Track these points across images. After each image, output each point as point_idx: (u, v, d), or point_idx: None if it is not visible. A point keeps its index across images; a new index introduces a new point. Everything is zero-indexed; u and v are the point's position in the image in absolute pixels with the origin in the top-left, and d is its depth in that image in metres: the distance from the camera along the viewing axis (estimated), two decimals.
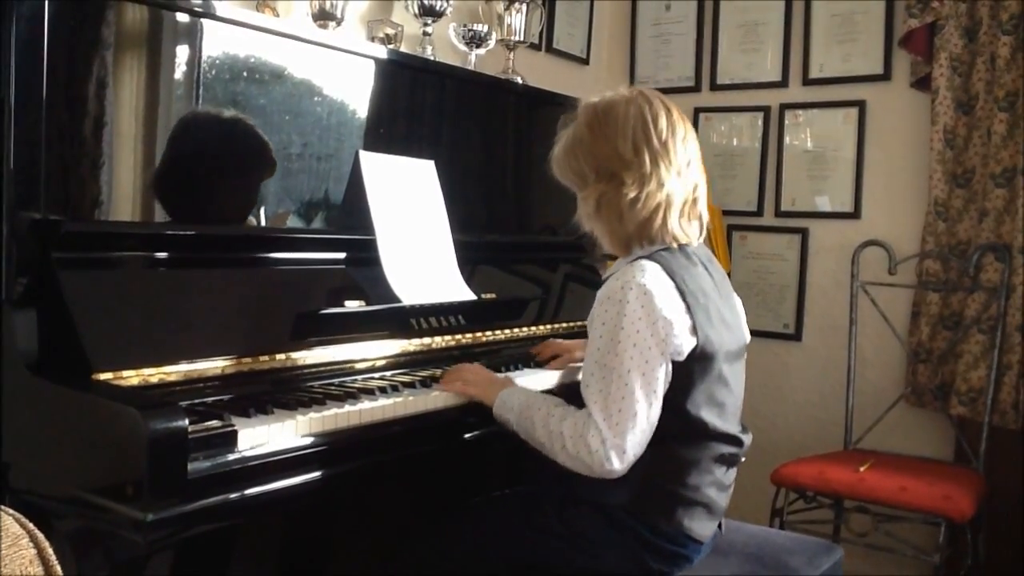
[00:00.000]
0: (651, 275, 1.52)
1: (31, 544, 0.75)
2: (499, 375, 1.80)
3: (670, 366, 1.52)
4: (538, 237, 2.62)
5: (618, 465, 1.49)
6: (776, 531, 1.89)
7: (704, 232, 1.67)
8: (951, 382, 2.96)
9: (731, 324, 1.64)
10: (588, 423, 1.50)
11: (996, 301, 2.84)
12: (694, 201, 1.63)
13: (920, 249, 3.04)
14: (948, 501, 2.48)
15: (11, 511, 0.80)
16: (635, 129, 1.58)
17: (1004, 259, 2.83)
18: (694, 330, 1.53)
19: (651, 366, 1.49)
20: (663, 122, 1.59)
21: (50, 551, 0.77)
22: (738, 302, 1.74)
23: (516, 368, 1.98)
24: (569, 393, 1.70)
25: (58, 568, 0.79)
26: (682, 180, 1.60)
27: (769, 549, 1.75)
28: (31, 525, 0.79)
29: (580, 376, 1.59)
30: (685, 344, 1.52)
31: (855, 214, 3.22)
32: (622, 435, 1.48)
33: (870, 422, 3.05)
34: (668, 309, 1.50)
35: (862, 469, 2.64)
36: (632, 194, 1.56)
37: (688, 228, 1.63)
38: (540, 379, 1.93)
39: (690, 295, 1.54)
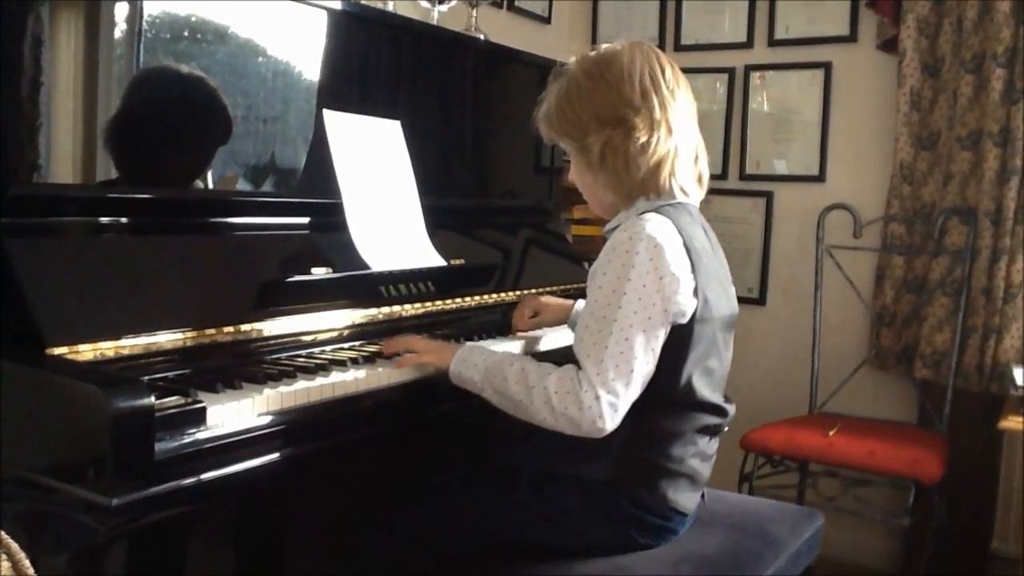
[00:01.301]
0: (661, 229, 1.45)
1: (5, 558, 0.66)
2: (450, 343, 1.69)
3: (669, 327, 1.46)
4: (505, 201, 2.55)
5: (610, 424, 1.40)
6: (756, 499, 1.86)
7: (704, 193, 1.62)
8: (915, 345, 2.96)
9: (727, 291, 1.59)
10: (580, 378, 1.41)
11: (961, 264, 2.84)
12: (696, 158, 1.58)
13: (885, 212, 3.03)
14: (916, 464, 2.48)
15: None
16: (642, 75, 1.51)
17: (969, 222, 2.82)
18: (695, 292, 1.47)
19: (653, 323, 1.42)
20: (669, 71, 1.55)
21: (26, 565, 0.69)
22: None
23: (485, 336, 1.91)
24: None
25: None
26: (688, 132, 1.56)
27: (751, 518, 1.71)
28: (6, 536, 0.70)
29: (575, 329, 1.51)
30: (688, 306, 1.46)
31: (820, 177, 3.20)
32: (615, 392, 1.40)
33: (834, 386, 3.05)
34: (676, 266, 1.43)
35: (831, 433, 2.64)
36: (643, 139, 1.50)
37: (693, 184, 1.58)
38: (507, 347, 1.86)
39: (695, 253, 1.48)
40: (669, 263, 1.42)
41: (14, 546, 0.68)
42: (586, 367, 1.42)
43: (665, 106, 1.52)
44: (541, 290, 2.29)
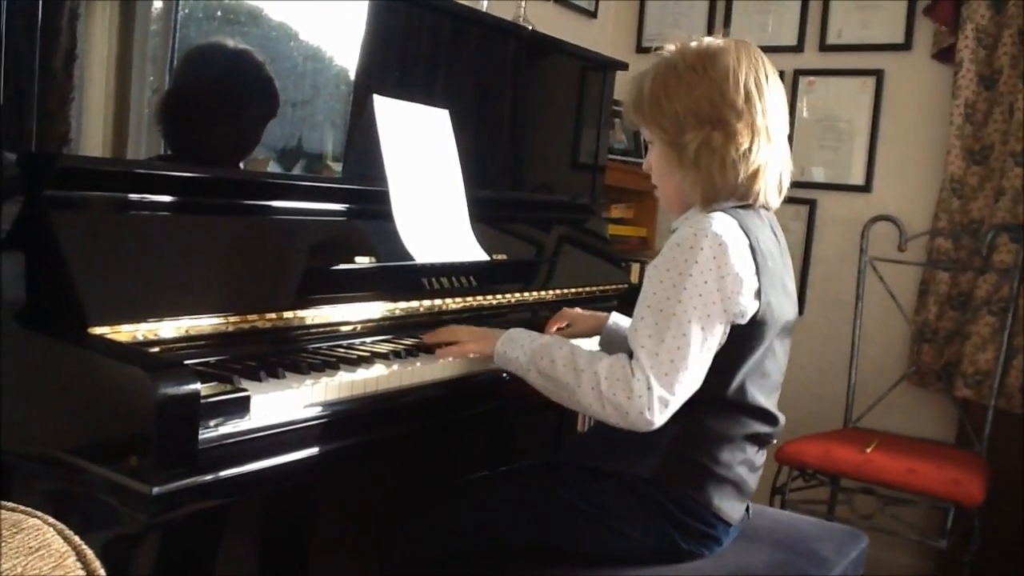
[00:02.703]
0: (728, 228, 1.41)
1: (78, 563, 0.62)
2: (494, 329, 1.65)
3: (728, 327, 1.42)
4: (547, 196, 2.50)
5: (659, 417, 1.36)
6: (799, 516, 1.80)
7: (780, 200, 1.57)
8: (956, 363, 2.89)
9: (790, 295, 1.55)
10: (633, 367, 1.37)
11: (1008, 283, 2.77)
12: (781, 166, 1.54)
13: (932, 226, 2.96)
14: (958, 486, 2.42)
15: (53, 520, 0.66)
16: (747, 78, 1.46)
17: (1019, 240, 2.75)
18: (758, 294, 1.43)
19: (712, 321, 1.38)
20: (772, 76, 1.51)
21: (98, 567, 0.64)
22: None
23: None
24: None
25: None
26: (783, 141, 1.52)
27: (797, 535, 1.66)
28: (77, 539, 0.65)
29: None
30: (749, 307, 1.42)
31: (866, 187, 3.13)
32: (670, 386, 1.35)
33: (870, 401, 2.99)
34: (740, 266, 1.39)
35: (869, 450, 2.57)
36: (746, 144, 1.45)
37: (773, 191, 1.53)
38: None
39: (760, 255, 1.44)
40: (732, 263, 1.39)
41: (89, 553, 0.63)
42: (640, 357, 1.38)
43: (767, 112, 1.47)
44: (580, 290, 2.25)
